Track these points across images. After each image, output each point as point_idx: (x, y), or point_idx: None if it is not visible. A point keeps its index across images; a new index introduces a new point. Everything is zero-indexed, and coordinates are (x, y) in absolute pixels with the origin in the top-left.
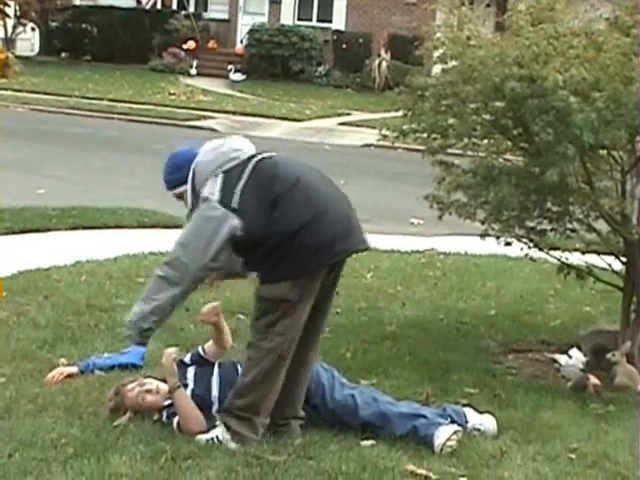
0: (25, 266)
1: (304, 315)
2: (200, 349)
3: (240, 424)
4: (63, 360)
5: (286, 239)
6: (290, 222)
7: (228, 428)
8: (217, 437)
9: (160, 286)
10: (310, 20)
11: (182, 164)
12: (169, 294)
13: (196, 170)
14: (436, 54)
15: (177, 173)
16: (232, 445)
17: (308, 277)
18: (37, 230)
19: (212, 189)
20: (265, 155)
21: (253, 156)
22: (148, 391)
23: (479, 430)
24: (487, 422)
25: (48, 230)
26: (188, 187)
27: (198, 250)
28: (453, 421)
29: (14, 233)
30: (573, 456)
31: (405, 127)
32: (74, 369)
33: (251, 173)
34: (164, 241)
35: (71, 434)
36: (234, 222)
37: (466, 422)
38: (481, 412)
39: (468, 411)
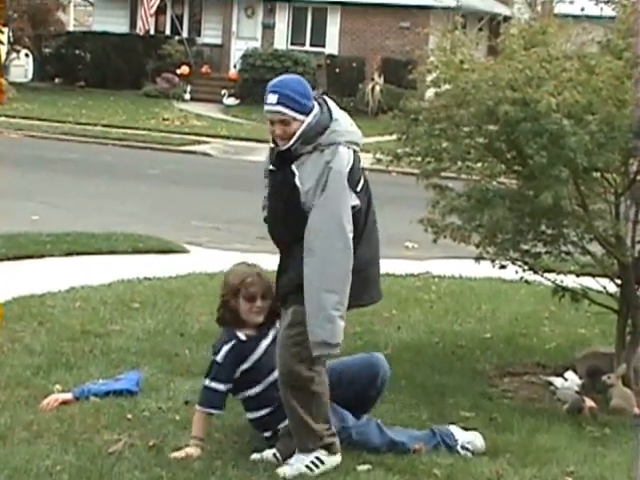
0: (19, 292)
1: None
2: None
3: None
4: (58, 386)
5: (362, 265)
6: (365, 248)
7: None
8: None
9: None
10: (303, 45)
11: (310, 93)
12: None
13: (332, 124)
14: (429, 78)
15: (305, 99)
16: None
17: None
18: (31, 256)
19: (343, 162)
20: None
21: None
22: None
23: (467, 449)
24: (475, 439)
25: (42, 256)
26: (307, 120)
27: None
28: (444, 441)
29: (8, 259)
30: (570, 479)
31: (399, 151)
32: (69, 395)
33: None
34: (159, 266)
35: (66, 461)
36: (355, 202)
37: (455, 441)
38: (467, 429)
39: (454, 429)
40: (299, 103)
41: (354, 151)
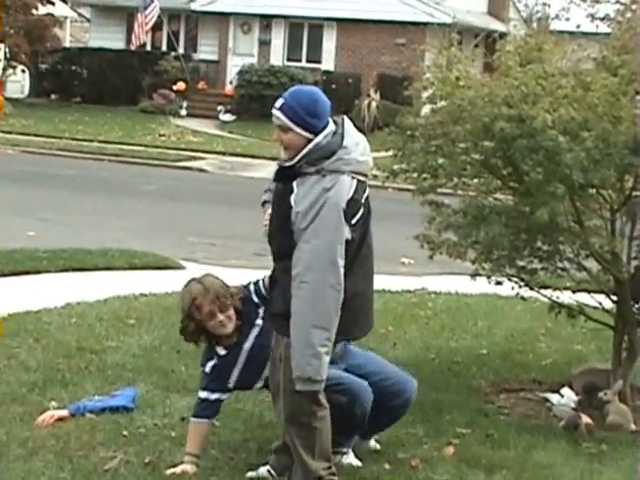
0: (15, 309)
1: None
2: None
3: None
4: (53, 403)
5: (350, 298)
6: (354, 280)
7: None
8: None
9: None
10: (299, 61)
11: (322, 113)
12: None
13: (340, 151)
14: (425, 94)
15: (310, 116)
16: None
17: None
18: (27, 272)
19: (342, 193)
20: (368, 190)
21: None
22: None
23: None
24: None
25: (38, 272)
26: (316, 140)
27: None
28: None
29: (4, 275)
30: None
31: (395, 167)
32: (64, 412)
33: (364, 206)
34: (155, 282)
35: (62, 478)
36: (348, 236)
37: None
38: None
39: None
40: (301, 117)
41: (359, 181)
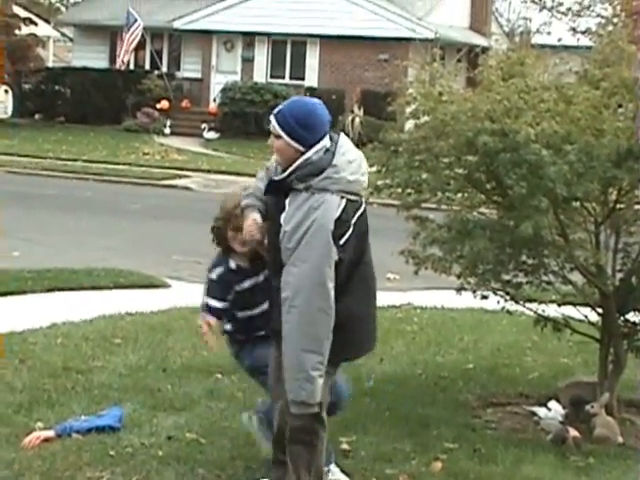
0: (0, 329)
1: None
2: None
3: None
4: (39, 424)
5: (344, 319)
6: (347, 302)
7: None
8: None
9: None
10: (283, 78)
11: (314, 126)
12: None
13: (328, 169)
14: (409, 110)
15: (302, 129)
16: None
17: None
18: (12, 293)
19: (329, 214)
20: (363, 209)
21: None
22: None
23: None
24: None
25: (24, 292)
26: (307, 155)
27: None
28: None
29: None
30: None
31: (379, 183)
32: (51, 433)
33: (354, 226)
34: (141, 301)
35: None
36: (335, 257)
37: None
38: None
39: None
40: (291, 127)
41: (349, 201)
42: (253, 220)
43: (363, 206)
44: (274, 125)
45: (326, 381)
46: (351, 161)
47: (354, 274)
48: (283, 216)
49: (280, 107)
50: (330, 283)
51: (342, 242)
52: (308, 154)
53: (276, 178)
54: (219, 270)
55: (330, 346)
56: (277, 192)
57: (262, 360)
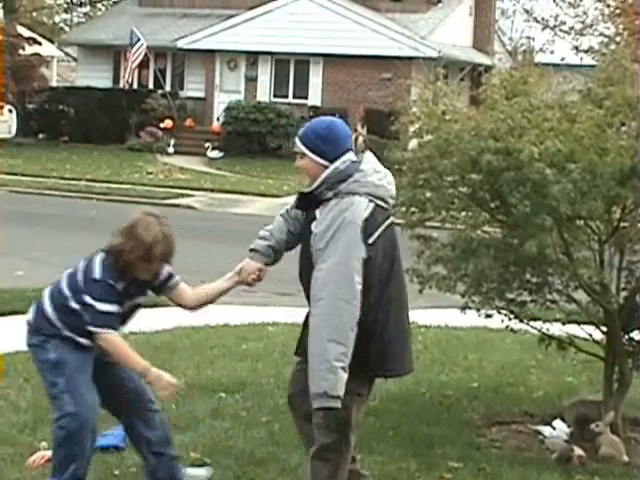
0: (4, 349)
1: None
2: None
3: None
4: (44, 444)
5: (373, 332)
6: (383, 317)
7: None
8: None
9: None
10: (286, 97)
11: (335, 140)
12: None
13: (356, 174)
14: (412, 129)
15: (325, 144)
16: None
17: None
18: (16, 312)
19: (357, 212)
20: (391, 221)
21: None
22: None
23: None
24: None
25: (27, 312)
26: (333, 166)
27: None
28: None
29: None
30: None
31: None
32: None
33: (384, 231)
34: (144, 320)
35: None
36: (364, 254)
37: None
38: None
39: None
40: (314, 143)
41: (378, 206)
42: (257, 268)
43: (391, 218)
44: (298, 144)
45: (359, 403)
46: (378, 170)
47: (388, 284)
48: (314, 224)
49: (303, 128)
50: (357, 277)
51: (371, 241)
52: (336, 164)
53: (306, 190)
54: (111, 282)
55: (364, 359)
56: (308, 205)
57: (70, 370)
